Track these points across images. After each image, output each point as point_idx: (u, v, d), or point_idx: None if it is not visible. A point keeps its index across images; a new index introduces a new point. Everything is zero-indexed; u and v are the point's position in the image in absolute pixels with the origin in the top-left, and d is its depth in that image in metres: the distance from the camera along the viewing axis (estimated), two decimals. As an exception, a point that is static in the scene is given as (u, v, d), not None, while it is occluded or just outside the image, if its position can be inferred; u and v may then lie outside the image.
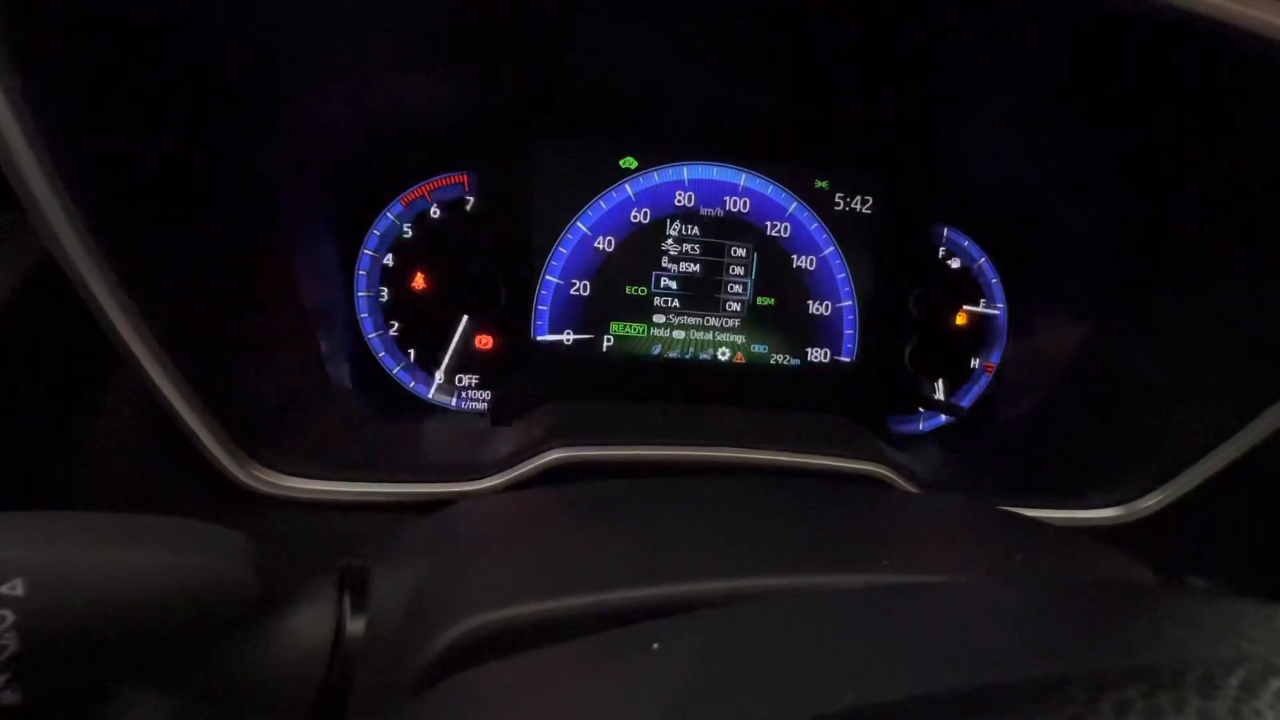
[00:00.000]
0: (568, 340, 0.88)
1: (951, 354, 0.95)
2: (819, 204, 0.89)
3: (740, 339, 0.90)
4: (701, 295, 0.89)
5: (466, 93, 0.78)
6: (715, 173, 0.87)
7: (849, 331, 0.92)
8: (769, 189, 0.88)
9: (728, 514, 0.50)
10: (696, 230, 0.88)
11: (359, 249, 0.84)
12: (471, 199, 0.86)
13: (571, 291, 0.87)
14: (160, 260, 0.53)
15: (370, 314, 0.85)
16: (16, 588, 0.27)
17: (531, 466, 0.66)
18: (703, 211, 0.87)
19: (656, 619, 0.32)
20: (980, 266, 0.95)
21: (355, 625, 0.37)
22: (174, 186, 0.55)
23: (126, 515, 0.32)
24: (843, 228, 0.89)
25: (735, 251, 0.88)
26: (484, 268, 0.86)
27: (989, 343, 0.96)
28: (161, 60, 0.52)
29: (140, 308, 0.49)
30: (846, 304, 0.91)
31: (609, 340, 0.88)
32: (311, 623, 0.37)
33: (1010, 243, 0.93)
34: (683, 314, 0.89)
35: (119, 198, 0.49)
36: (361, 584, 0.39)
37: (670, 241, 0.87)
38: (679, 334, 0.89)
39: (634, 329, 0.88)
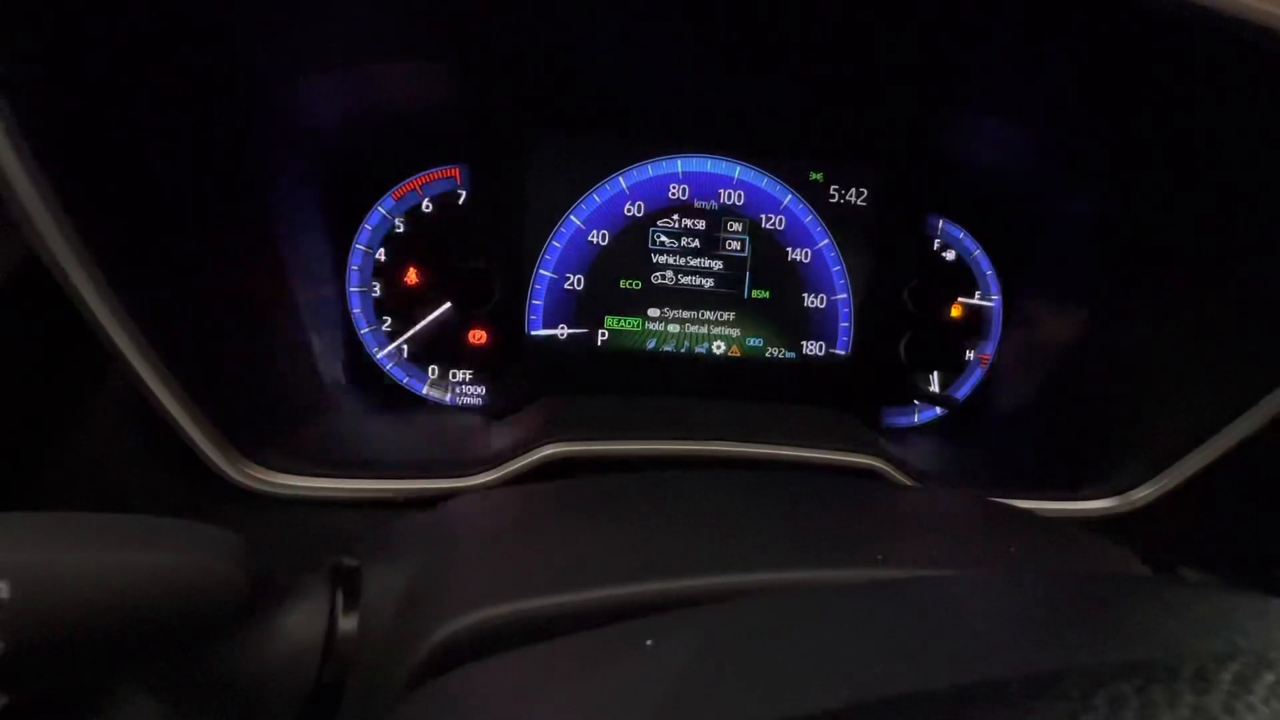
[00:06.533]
0: (562, 335, 0.87)
1: (946, 346, 0.95)
2: (814, 196, 0.89)
3: (735, 333, 0.90)
4: (696, 289, 0.88)
5: (458, 85, 0.77)
6: (709, 165, 0.87)
7: (844, 324, 0.92)
8: (763, 181, 0.88)
9: (722, 509, 0.50)
10: (691, 223, 0.87)
11: (350, 244, 0.83)
12: (463, 193, 0.85)
13: (565, 286, 0.86)
14: (148, 258, 0.53)
15: (363, 309, 0.85)
16: (2, 590, 0.27)
17: (526, 462, 0.66)
18: (697, 204, 0.87)
19: (650, 615, 0.32)
20: (975, 258, 0.94)
21: (348, 623, 0.37)
22: (161, 184, 0.54)
23: (115, 515, 0.32)
24: (838, 220, 0.89)
25: (730, 245, 0.88)
26: (477, 262, 0.86)
27: (984, 335, 0.96)
28: (146, 53, 0.51)
29: (128, 305, 0.48)
30: (841, 297, 0.91)
31: (603, 335, 0.88)
32: (304, 621, 0.37)
33: (1005, 235, 0.93)
34: (677, 308, 0.88)
35: (104, 195, 0.49)
36: (354, 581, 0.39)
37: (664, 235, 0.87)
38: (674, 328, 0.89)
39: (628, 323, 0.88)
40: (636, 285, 0.87)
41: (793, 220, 0.89)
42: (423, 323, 0.86)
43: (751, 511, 0.50)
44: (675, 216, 0.87)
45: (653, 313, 0.88)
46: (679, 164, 0.86)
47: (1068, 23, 0.56)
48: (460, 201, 0.85)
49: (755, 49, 0.70)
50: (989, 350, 0.96)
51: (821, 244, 0.89)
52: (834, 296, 0.91)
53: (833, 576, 0.38)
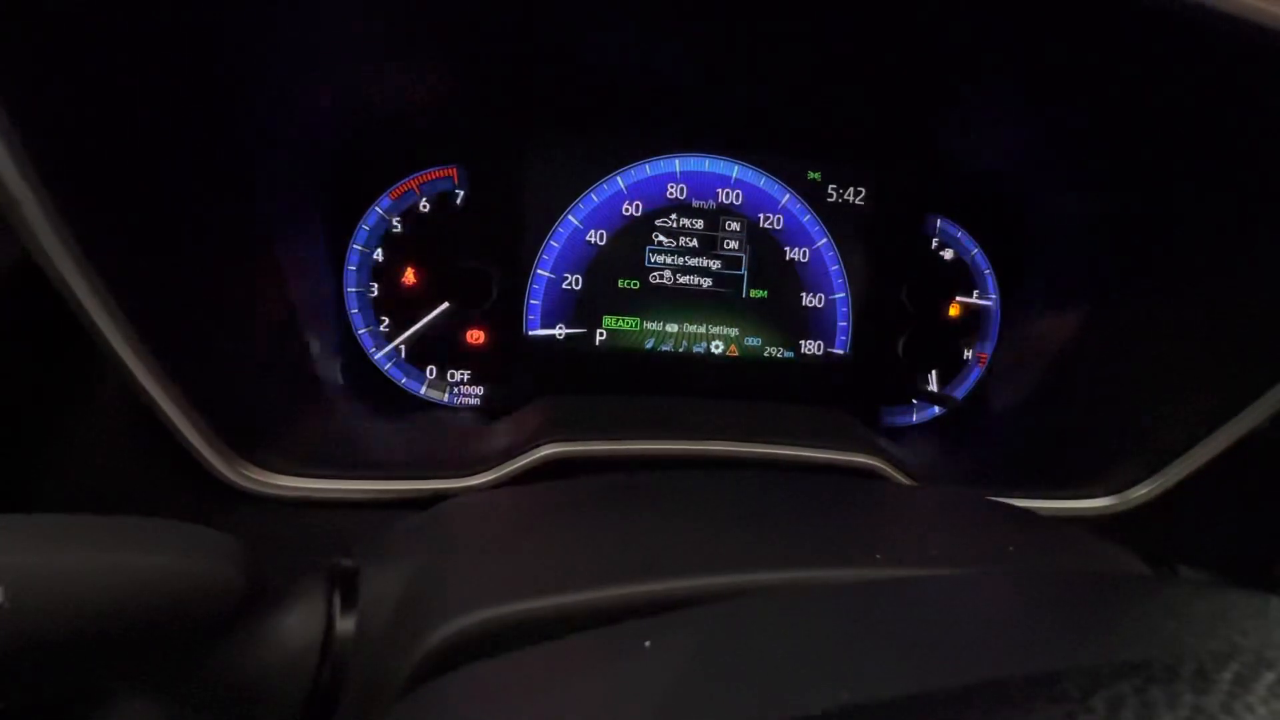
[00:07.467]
0: (560, 334, 0.87)
1: (944, 345, 0.95)
2: (812, 196, 0.88)
3: (733, 332, 0.90)
4: (694, 288, 0.88)
5: (455, 85, 0.77)
6: (707, 165, 0.87)
7: (842, 324, 0.92)
8: (761, 181, 0.88)
9: (720, 509, 0.50)
10: (689, 223, 0.87)
11: (348, 244, 0.83)
12: (461, 192, 0.85)
13: (563, 285, 0.86)
14: (144, 259, 0.53)
15: (360, 309, 0.85)
16: (-3, 593, 0.27)
17: (524, 462, 0.66)
18: (695, 204, 0.87)
19: (649, 616, 0.32)
20: (973, 257, 0.94)
21: (345, 624, 0.37)
22: (156, 184, 0.54)
23: (110, 518, 0.32)
24: (836, 220, 0.89)
25: (728, 244, 0.88)
26: (475, 262, 0.85)
27: (982, 334, 0.96)
28: (142, 53, 0.51)
29: (124, 307, 0.48)
30: (840, 296, 0.91)
31: (601, 334, 0.88)
32: (301, 623, 0.36)
33: (1003, 233, 0.93)
34: (676, 307, 0.88)
35: (100, 195, 0.49)
36: (351, 583, 0.38)
37: (662, 234, 0.87)
38: (672, 327, 0.89)
39: (626, 323, 0.88)
40: (635, 285, 0.87)
41: (791, 219, 0.89)
42: (421, 323, 0.85)
43: (750, 511, 0.50)
44: (673, 216, 0.87)
45: (651, 312, 0.88)
46: (677, 163, 0.86)
47: (1065, 22, 0.56)
48: (458, 201, 0.85)
49: (752, 48, 0.70)
50: (987, 349, 0.96)
51: (820, 243, 0.89)
52: (832, 295, 0.91)
53: (831, 576, 0.38)
